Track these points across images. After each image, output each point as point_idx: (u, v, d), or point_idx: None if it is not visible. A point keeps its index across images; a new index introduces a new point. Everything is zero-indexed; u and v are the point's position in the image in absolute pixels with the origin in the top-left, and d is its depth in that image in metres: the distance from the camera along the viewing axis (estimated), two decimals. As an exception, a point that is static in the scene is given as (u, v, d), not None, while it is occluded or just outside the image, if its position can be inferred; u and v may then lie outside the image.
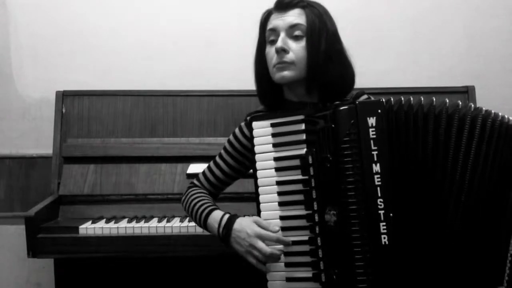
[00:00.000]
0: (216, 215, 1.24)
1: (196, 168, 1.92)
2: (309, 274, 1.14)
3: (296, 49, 1.22)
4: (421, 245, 1.09)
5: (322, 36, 1.22)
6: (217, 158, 1.39)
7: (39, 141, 2.25)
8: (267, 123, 1.20)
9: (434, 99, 1.11)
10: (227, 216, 1.23)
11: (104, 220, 1.78)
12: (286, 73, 1.23)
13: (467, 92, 2.09)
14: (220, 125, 2.05)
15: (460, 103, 1.11)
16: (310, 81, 1.24)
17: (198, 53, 2.26)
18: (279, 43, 1.21)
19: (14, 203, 2.24)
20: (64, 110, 2.05)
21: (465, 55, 2.29)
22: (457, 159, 1.09)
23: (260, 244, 1.13)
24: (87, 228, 1.69)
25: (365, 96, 1.36)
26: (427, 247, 1.09)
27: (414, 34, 2.29)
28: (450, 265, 1.09)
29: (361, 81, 1.58)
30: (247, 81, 2.16)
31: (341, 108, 1.10)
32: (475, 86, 2.11)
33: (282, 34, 1.23)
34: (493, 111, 1.11)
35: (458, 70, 2.28)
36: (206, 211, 1.27)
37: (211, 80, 2.21)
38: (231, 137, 1.38)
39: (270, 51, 1.25)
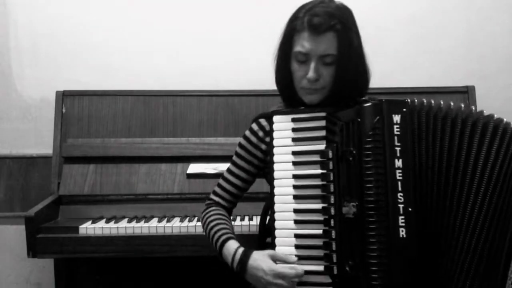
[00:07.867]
0: (230, 247, 1.23)
1: (196, 168, 1.92)
2: (321, 268, 1.15)
3: (327, 75, 1.23)
4: (433, 242, 1.12)
5: (351, 61, 1.23)
6: (230, 166, 1.38)
7: (39, 141, 2.25)
8: (288, 117, 1.24)
9: (452, 103, 1.17)
10: (240, 251, 1.21)
11: (104, 220, 1.78)
12: (315, 97, 1.25)
13: (467, 92, 2.09)
14: (220, 125, 2.05)
15: (473, 108, 1.17)
16: (330, 97, 1.26)
17: (198, 53, 2.27)
18: (312, 73, 1.21)
19: (14, 203, 2.24)
20: (64, 110, 2.05)
21: (465, 55, 2.29)
22: (467, 163, 1.13)
23: (278, 281, 1.14)
24: (87, 228, 1.69)
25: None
26: (439, 246, 1.12)
27: (414, 34, 2.29)
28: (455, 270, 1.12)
29: (361, 81, 1.58)
30: (247, 81, 2.18)
31: (366, 105, 1.14)
32: (475, 86, 2.11)
33: (314, 62, 1.21)
34: (504, 120, 1.15)
35: (458, 70, 2.28)
36: (221, 240, 1.25)
37: (211, 80, 2.21)
38: (241, 140, 1.37)
39: (299, 71, 1.24)
